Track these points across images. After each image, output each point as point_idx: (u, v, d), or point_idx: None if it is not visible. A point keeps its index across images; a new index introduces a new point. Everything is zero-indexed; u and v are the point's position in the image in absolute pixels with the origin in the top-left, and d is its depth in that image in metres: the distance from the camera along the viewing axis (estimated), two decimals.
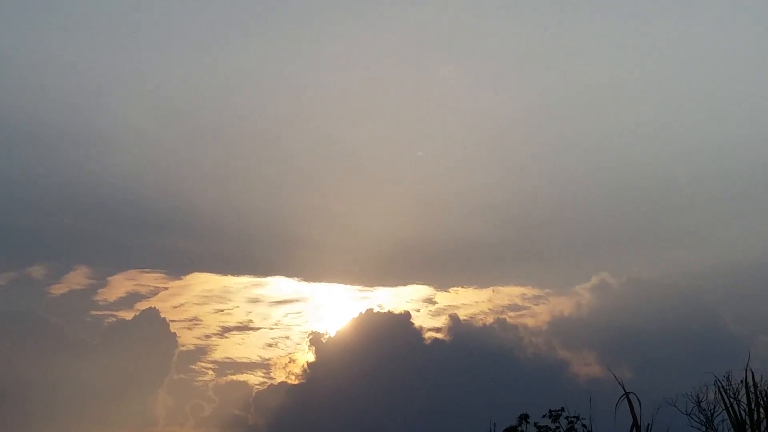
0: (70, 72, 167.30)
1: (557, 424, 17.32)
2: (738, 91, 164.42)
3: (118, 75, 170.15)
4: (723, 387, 17.76)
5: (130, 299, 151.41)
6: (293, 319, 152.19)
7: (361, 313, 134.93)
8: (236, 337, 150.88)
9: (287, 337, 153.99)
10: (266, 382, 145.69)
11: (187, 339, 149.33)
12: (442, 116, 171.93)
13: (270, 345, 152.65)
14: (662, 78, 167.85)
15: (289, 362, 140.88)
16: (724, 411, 17.65)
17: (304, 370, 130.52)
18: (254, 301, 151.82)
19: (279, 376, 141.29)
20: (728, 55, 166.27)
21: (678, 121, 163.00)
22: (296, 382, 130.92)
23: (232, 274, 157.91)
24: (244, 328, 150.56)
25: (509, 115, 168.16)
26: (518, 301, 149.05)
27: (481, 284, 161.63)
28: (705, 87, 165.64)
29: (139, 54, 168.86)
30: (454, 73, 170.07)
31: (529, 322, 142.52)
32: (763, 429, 17.49)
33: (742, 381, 17.61)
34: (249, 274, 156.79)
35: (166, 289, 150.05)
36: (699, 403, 17.76)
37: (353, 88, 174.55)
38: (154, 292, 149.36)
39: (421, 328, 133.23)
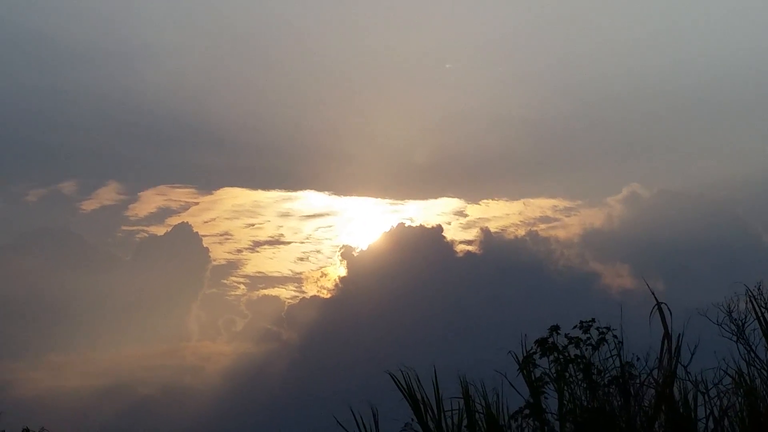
0: None
1: (588, 335, 17.41)
2: None
3: None
4: (754, 296, 17.70)
5: (161, 214, 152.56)
6: (324, 233, 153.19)
7: (392, 227, 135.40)
8: (267, 251, 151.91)
9: (318, 251, 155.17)
10: (298, 296, 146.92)
11: (218, 254, 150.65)
12: (471, 28, 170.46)
13: (301, 259, 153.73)
14: None
15: (321, 276, 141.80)
16: (756, 320, 17.64)
17: (336, 284, 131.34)
18: (285, 215, 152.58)
19: (311, 290, 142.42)
20: None
21: (711, 25, 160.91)
22: (328, 296, 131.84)
23: (263, 189, 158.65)
24: (275, 242, 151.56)
25: (540, 25, 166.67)
26: (549, 213, 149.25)
27: (512, 196, 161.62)
28: None
29: None
30: None
31: (561, 234, 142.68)
32: None
33: None
34: (279, 189, 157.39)
35: (197, 204, 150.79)
36: (730, 313, 17.67)
37: (384, 1, 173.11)
38: (185, 207, 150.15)
39: (452, 241, 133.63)
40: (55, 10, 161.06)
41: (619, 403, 17.53)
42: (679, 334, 17.12)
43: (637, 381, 17.54)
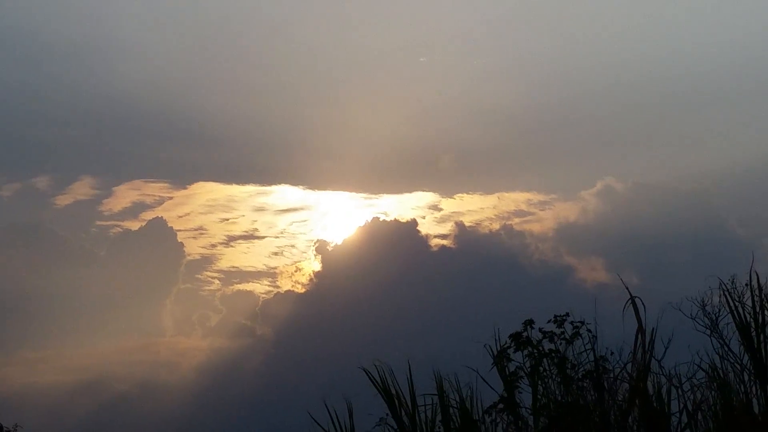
0: None
1: (562, 330, 17.41)
2: None
3: None
4: (728, 290, 17.75)
5: (136, 209, 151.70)
6: (299, 227, 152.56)
7: (367, 221, 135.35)
8: (242, 246, 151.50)
9: (293, 246, 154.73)
10: (272, 291, 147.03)
11: (193, 249, 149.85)
12: (444, 21, 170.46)
13: (276, 254, 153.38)
14: None
15: (296, 271, 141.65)
16: (729, 314, 17.69)
17: (311, 279, 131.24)
18: (259, 209, 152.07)
19: (285, 285, 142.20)
20: None
21: (685, 18, 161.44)
22: (303, 290, 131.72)
23: (237, 183, 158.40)
24: (249, 236, 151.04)
25: (515, 19, 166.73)
26: (524, 207, 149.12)
27: (486, 190, 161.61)
28: None
29: None
30: None
31: (535, 228, 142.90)
32: None
33: (746, 284, 17.61)
34: (254, 183, 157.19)
35: (171, 198, 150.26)
36: (704, 306, 17.70)
37: None
38: (159, 202, 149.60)
39: (427, 235, 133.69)
40: (31, 4, 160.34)
41: (593, 397, 17.56)
42: (653, 328, 17.16)
43: (611, 375, 17.57)
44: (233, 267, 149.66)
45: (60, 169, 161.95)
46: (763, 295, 17.57)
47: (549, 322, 18.15)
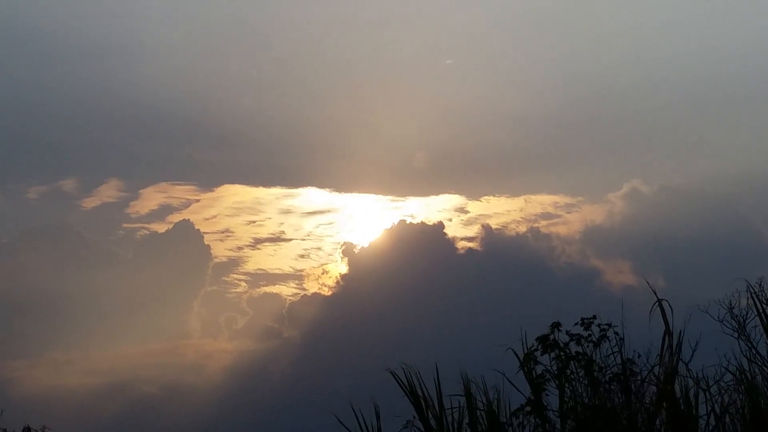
0: None
1: (589, 332, 17.37)
2: None
3: None
4: (755, 293, 17.69)
5: (162, 212, 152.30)
6: (325, 230, 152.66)
7: (393, 224, 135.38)
8: (268, 248, 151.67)
9: (319, 248, 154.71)
10: (299, 294, 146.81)
11: (219, 251, 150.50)
12: (470, 24, 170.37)
13: (302, 256, 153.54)
14: None
15: (322, 273, 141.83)
16: (757, 317, 17.64)
17: (337, 282, 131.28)
18: (286, 212, 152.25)
19: (312, 288, 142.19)
20: None
21: (716, 18, 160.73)
22: (329, 293, 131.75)
23: (264, 186, 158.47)
24: (276, 239, 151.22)
25: (541, 20, 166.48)
26: (550, 210, 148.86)
27: (513, 193, 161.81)
28: None
29: None
30: None
31: (562, 230, 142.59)
32: None
33: None
34: (280, 185, 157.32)
35: (198, 201, 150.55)
36: (731, 309, 17.65)
37: None
38: (186, 205, 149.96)
39: (453, 238, 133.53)
40: (57, 6, 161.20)
41: (621, 400, 17.53)
42: (680, 331, 17.13)
43: (639, 378, 17.53)
44: (260, 269, 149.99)
45: (87, 172, 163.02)
46: None
47: (576, 324, 18.13)
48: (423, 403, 17.68)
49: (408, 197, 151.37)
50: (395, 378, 17.61)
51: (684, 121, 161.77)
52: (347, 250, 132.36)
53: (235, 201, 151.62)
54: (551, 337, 18.05)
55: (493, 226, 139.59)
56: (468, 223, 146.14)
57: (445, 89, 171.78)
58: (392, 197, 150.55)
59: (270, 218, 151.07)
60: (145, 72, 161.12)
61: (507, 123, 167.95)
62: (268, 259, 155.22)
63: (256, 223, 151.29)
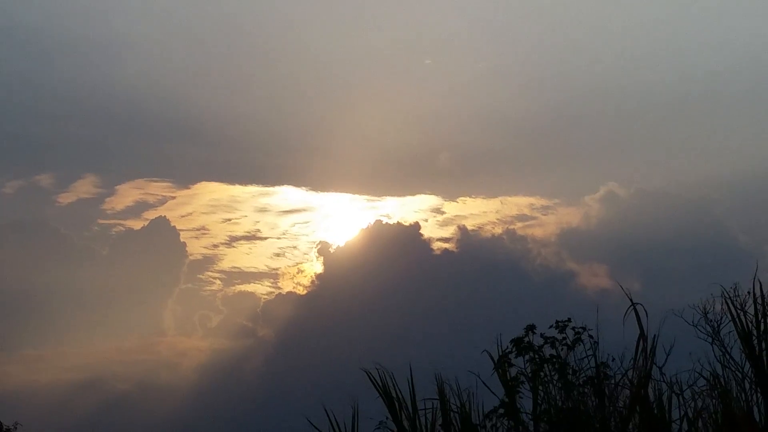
0: None
1: (564, 335, 17.39)
2: None
3: None
4: (730, 298, 17.72)
5: (138, 208, 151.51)
6: (301, 228, 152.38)
7: (370, 224, 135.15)
8: (244, 246, 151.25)
9: (295, 247, 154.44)
10: (274, 292, 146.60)
11: (195, 248, 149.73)
12: (449, 23, 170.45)
13: (278, 255, 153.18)
14: None
15: (297, 272, 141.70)
16: (731, 322, 17.66)
17: (312, 281, 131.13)
18: (262, 210, 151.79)
19: (287, 287, 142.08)
20: None
21: (691, 22, 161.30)
22: (304, 292, 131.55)
23: (240, 184, 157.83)
24: (251, 237, 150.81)
25: (517, 21, 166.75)
26: (526, 212, 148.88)
27: (489, 194, 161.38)
28: None
29: None
30: None
31: (538, 232, 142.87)
32: None
33: (749, 292, 17.58)
34: (256, 184, 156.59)
35: (174, 198, 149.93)
36: (706, 314, 17.67)
37: None
38: (162, 202, 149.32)
39: (429, 239, 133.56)
40: (32, 1, 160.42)
41: (594, 403, 17.55)
42: (655, 335, 17.14)
43: (612, 381, 17.56)
44: (235, 267, 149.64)
45: (63, 167, 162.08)
46: (765, 304, 17.54)
47: (550, 327, 18.15)
48: (397, 404, 17.65)
49: (384, 197, 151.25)
50: (369, 378, 17.57)
51: (661, 125, 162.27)
52: (323, 250, 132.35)
53: (212, 198, 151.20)
54: (525, 339, 18.07)
55: (469, 228, 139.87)
56: (444, 223, 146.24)
57: (423, 89, 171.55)
58: (369, 197, 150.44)
59: (246, 216, 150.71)
60: (123, 68, 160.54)
61: (484, 124, 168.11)
62: (243, 258, 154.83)
63: (232, 221, 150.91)
